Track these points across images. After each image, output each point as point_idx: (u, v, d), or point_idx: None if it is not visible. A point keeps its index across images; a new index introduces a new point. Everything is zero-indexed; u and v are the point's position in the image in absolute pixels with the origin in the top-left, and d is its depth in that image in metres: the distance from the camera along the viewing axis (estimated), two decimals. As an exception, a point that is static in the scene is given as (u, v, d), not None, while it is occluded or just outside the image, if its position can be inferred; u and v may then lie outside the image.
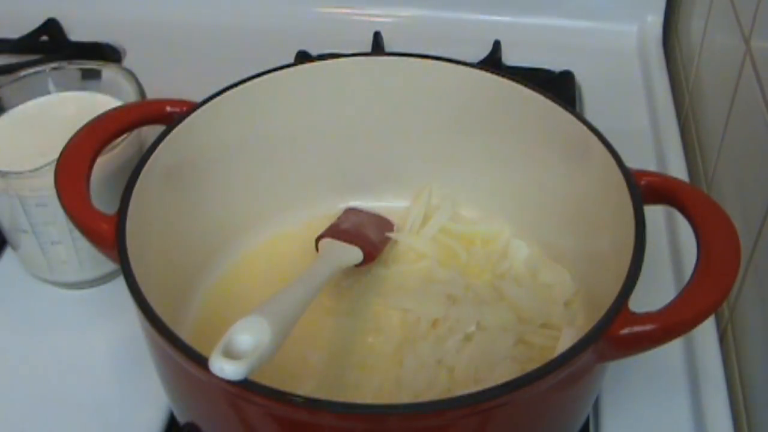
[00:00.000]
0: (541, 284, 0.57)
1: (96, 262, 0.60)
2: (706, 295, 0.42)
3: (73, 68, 0.67)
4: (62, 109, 0.64)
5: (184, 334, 0.41)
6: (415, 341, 0.53)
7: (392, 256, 0.60)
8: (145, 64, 0.75)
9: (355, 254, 0.57)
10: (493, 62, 0.81)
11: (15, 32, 0.85)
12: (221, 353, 0.37)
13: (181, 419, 0.48)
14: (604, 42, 0.85)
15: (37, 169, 0.54)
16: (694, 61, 0.77)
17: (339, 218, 0.61)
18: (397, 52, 0.68)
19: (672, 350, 0.56)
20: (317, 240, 0.58)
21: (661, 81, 0.80)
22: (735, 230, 0.45)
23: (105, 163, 0.55)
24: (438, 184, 0.62)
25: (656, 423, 0.53)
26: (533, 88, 0.55)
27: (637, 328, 0.41)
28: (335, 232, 0.59)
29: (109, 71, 0.65)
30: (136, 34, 0.87)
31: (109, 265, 0.60)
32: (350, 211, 0.62)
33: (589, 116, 0.73)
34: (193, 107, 0.53)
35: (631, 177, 0.48)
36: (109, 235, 0.45)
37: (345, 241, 0.57)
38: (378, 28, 0.85)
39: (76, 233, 0.48)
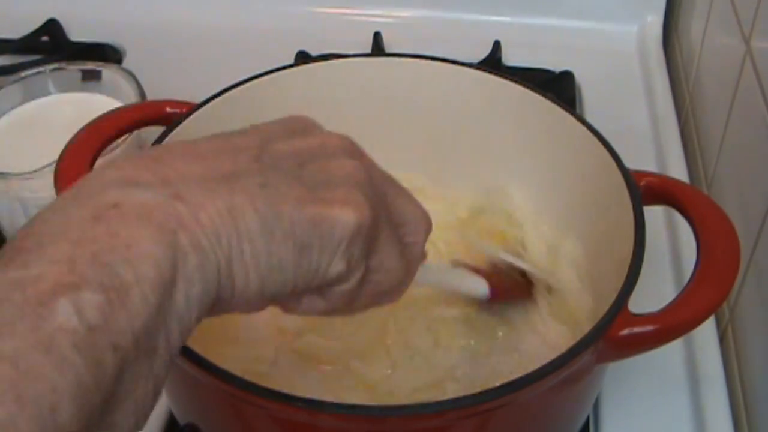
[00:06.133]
0: None
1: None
2: (706, 295, 0.42)
3: (73, 69, 0.67)
4: (62, 110, 0.64)
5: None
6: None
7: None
8: (145, 65, 0.76)
9: (479, 286, 0.51)
10: (493, 62, 0.81)
11: (16, 32, 0.85)
12: None
13: (181, 419, 0.48)
14: (604, 42, 0.85)
15: (37, 170, 0.54)
16: (694, 61, 0.77)
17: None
18: (397, 52, 0.68)
19: (672, 350, 0.56)
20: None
21: (661, 81, 0.80)
22: (735, 230, 0.45)
23: (105, 164, 0.55)
24: (437, 183, 0.62)
25: (656, 423, 0.53)
26: (533, 89, 0.55)
27: (637, 329, 0.41)
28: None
29: (109, 72, 0.65)
30: (136, 34, 0.87)
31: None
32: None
33: (589, 116, 0.74)
34: (193, 108, 0.53)
35: (630, 177, 0.48)
36: (109, 236, 0.45)
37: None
38: (378, 28, 0.85)
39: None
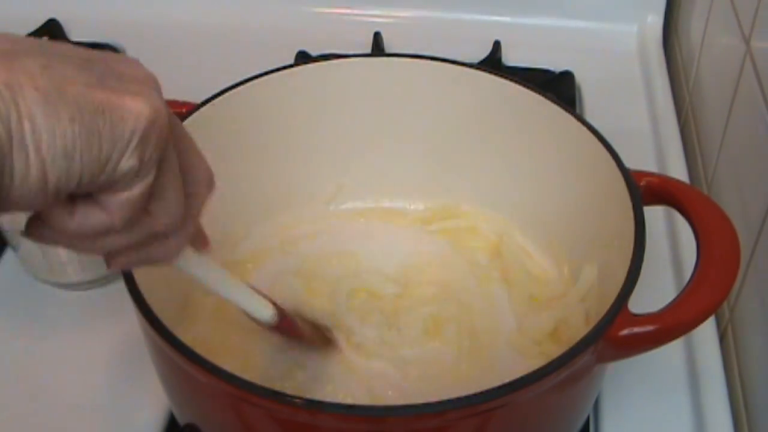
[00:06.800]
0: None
1: (96, 263, 0.60)
2: (706, 295, 0.42)
3: (73, 69, 0.67)
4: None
5: (185, 336, 0.41)
6: None
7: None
8: (145, 65, 0.75)
9: (263, 308, 0.46)
10: (493, 62, 0.81)
11: (15, 32, 0.85)
12: None
13: (181, 420, 0.48)
14: (604, 42, 0.86)
15: (37, 170, 0.54)
16: (694, 61, 0.77)
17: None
18: (397, 52, 0.68)
19: (672, 350, 0.55)
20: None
21: (661, 81, 0.80)
22: (734, 231, 0.45)
23: None
24: (437, 183, 0.62)
25: (656, 423, 0.53)
26: (533, 89, 0.55)
27: (637, 329, 0.41)
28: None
29: (109, 72, 0.65)
30: (136, 34, 0.87)
31: (110, 266, 0.60)
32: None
33: (589, 116, 0.74)
34: (193, 108, 0.53)
35: (630, 177, 0.48)
36: (109, 236, 0.45)
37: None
38: (378, 28, 0.85)
39: (76, 234, 0.48)
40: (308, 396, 0.37)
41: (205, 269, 0.42)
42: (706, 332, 0.57)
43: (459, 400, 0.37)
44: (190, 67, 0.83)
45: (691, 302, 0.42)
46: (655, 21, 0.86)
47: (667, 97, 0.78)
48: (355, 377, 0.51)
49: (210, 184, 0.38)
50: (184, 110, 0.53)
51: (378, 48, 0.83)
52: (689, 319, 0.42)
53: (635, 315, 0.42)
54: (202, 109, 0.53)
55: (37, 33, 0.86)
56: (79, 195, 0.31)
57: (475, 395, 0.37)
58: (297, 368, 0.51)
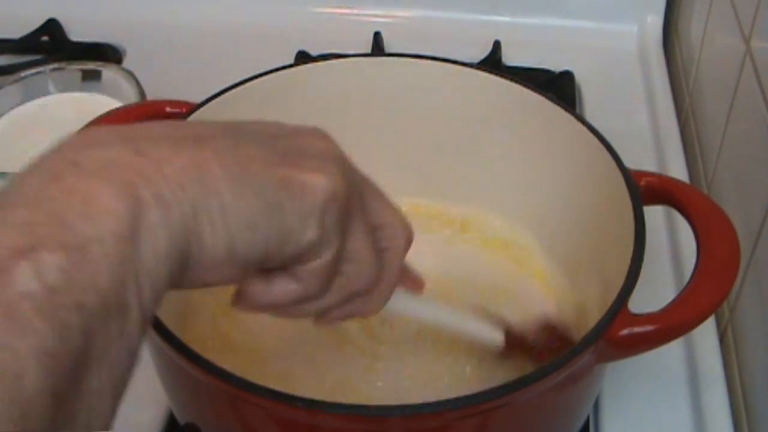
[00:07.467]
0: None
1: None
2: (706, 295, 0.42)
3: (73, 69, 0.67)
4: (62, 110, 0.64)
5: (185, 336, 0.41)
6: None
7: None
8: (145, 65, 0.76)
9: (490, 334, 0.48)
10: (493, 62, 0.81)
11: (16, 32, 0.85)
12: None
13: (181, 419, 0.48)
14: (604, 42, 0.86)
15: (37, 170, 0.54)
16: (694, 61, 0.77)
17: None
18: (397, 52, 0.68)
19: (672, 350, 0.56)
20: None
21: (661, 81, 0.80)
22: (734, 231, 0.45)
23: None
24: (436, 183, 0.62)
25: (656, 423, 0.53)
26: (533, 89, 0.55)
27: (637, 329, 0.41)
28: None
29: (109, 72, 0.65)
30: (136, 34, 0.87)
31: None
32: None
33: (589, 116, 0.74)
34: (193, 108, 0.53)
35: (630, 177, 0.48)
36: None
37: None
38: (378, 28, 0.85)
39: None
40: (309, 395, 0.37)
41: (424, 308, 0.45)
42: (706, 332, 0.57)
43: (458, 400, 0.37)
44: (190, 67, 0.83)
45: (691, 302, 0.42)
46: (655, 21, 0.86)
47: (667, 97, 0.78)
48: (356, 376, 0.51)
49: (407, 236, 0.39)
50: (184, 110, 0.53)
51: (378, 48, 0.83)
52: (689, 319, 0.42)
53: (635, 315, 0.42)
54: (202, 109, 0.53)
55: (37, 33, 0.86)
56: (274, 269, 0.34)
57: (474, 395, 0.37)
58: (298, 366, 0.51)
